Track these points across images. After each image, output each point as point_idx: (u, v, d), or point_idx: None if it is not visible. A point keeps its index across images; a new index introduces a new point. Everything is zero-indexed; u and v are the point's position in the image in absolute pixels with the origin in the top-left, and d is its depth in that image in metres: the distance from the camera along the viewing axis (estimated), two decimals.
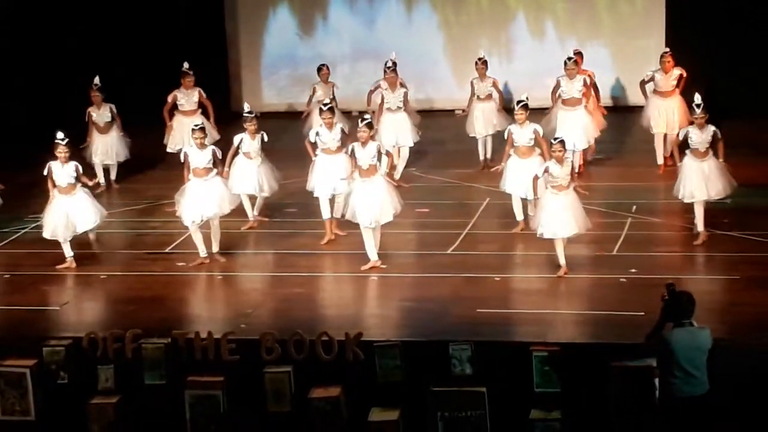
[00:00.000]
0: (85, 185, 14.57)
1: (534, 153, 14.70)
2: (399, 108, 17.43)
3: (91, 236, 14.72)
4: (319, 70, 18.45)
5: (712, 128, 14.34)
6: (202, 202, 14.23)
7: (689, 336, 9.74)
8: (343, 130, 14.97)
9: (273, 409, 11.53)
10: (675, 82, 17.24)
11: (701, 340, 9.80)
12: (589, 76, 17.27)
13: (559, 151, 13.38)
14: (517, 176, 14.72)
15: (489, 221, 15.29)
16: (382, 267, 13.87)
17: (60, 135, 14.43)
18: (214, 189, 14.34)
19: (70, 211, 14.38)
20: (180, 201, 14.38)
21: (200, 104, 17.72)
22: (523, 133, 14.78)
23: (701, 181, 14.21)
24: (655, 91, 17.41)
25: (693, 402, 9.79)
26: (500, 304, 12.71)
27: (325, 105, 15.13)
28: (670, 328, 9.77)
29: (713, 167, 14.30)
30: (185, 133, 16.89)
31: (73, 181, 14.44)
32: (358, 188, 13.96)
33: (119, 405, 11.64)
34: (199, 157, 14.31)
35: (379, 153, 14.03)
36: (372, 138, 14.15)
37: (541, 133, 14.84)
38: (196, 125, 14.68)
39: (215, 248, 14.35)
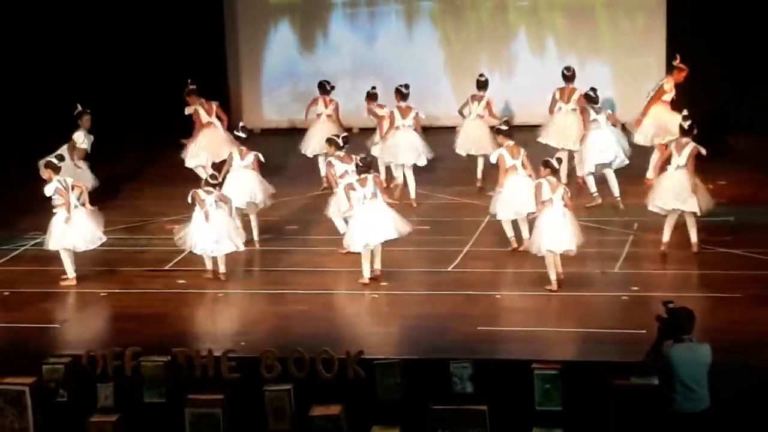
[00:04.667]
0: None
1: (515, 172, 14.65)
2: (409, 126, 17.44)
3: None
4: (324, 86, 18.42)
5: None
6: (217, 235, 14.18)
7: (689, 352, 9.75)
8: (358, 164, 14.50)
9: (273, 427, 11.50)
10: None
11: (701, 355, 9.81)
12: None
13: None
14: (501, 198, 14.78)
15: (490, 239, 15.26)
16: (367, 283, 13.92)
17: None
18: (223, 225, 14.24)
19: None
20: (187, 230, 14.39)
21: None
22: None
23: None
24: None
25: (694, 418, 9.79)
26: (501, 322, 12.70)
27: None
28: (670, 345, 9.75)
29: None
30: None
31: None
32: (361, 212, 13.94)
33: (118, 423, 11.61)
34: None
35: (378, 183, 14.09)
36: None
37: (502, 156, 14.64)
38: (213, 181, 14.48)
39: (222, 269, 14.31)
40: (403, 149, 17.19)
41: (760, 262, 13.93)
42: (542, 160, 13.78)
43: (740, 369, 10.86)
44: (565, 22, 22.05)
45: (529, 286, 13.68)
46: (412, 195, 17.00)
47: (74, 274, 14.41)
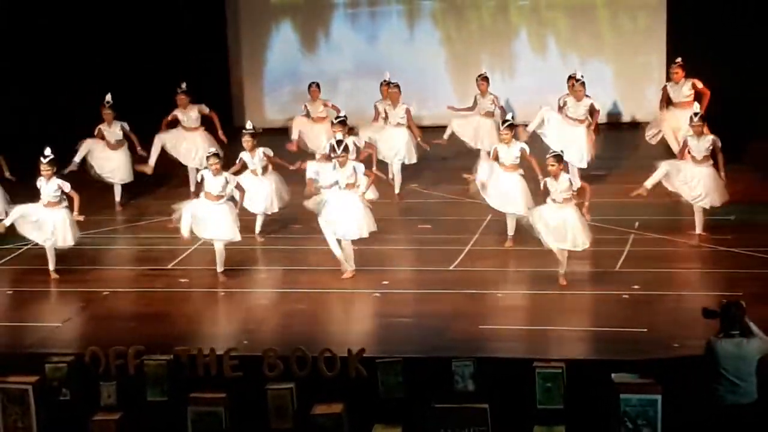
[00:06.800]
0: (70, 206, 14.64)
1: (518, 169, 14.78)
2: (400, 124, 17.54)
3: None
4: (308, 87, 18.53)
5: (710, 137, 14.51)
6: (204, 222, 14.25)
7: (736, 346, 9.86)
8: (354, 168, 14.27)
9: (275, 426, 11.49)
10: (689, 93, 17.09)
11: (748, 351, 9.87)
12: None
13: (552, 165, 13.48)
14: (502, 191, 14.84)
15: (491, 238, 15.28)
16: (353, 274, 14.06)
17: (46, 152, 14.58)
18: (221, 215, 14.30)
19: (46, 220, 14.51)
20: (181, 210, 14.39)
21: (203, 120, 17.89)
22: (509, 152, 14.84)
23: (689, 182, 14.69)
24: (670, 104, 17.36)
25: (739, 411, 9.88)
26: (503, 321, 12.70)
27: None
28: (717, 338, 9.90)
29: (707, 177, 14.56)
30: (183, 144, 17.79)
31: (55, 199, 14.54)
32: (334, 200, 14.07)
33: (121, 422, 11.58)
34: (213, 182, 14.31)
35: (355, 172, 14.12)
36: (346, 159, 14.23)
37: (528, 151, 14.83)
38: (210, 152, 14.63)
39: (219, 269, 14.35)
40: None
41: (761, 261, 13.94)
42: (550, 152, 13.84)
43: None
44: (566, 22, 22.09)
45: (531, 284, 13.70)
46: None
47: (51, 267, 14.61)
